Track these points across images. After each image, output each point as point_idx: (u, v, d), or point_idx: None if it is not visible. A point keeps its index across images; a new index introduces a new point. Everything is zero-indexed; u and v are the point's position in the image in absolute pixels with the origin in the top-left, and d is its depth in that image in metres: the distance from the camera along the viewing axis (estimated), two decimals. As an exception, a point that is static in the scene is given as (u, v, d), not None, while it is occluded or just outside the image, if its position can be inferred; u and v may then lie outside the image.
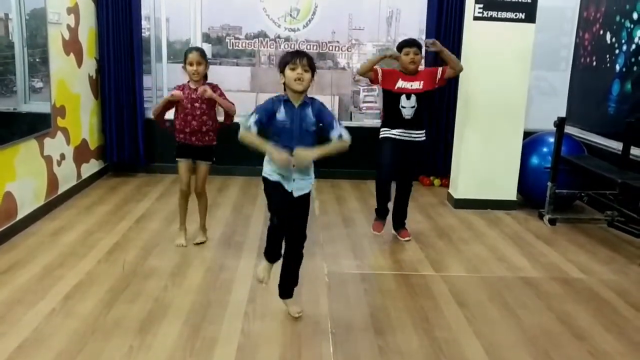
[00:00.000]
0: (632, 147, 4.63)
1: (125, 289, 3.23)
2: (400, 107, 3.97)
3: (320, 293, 2.82)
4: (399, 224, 4.28)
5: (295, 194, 2.77)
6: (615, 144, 4.98)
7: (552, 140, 4.87)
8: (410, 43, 4.00)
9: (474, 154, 5.08)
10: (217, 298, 3.18)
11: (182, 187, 3.93)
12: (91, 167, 5.55)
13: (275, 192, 2.78)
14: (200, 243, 3.99)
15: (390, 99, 4.02)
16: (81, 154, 5.28)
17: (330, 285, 3.39)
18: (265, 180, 2.81)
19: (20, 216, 4.07)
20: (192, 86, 3.75)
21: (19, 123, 4.16)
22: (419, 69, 4.05)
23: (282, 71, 2.70)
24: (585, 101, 5.66)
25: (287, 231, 2.85)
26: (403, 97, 3.96)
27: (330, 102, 6.89)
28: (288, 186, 2.76)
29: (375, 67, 4.02)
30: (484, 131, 5.03)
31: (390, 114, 4.04)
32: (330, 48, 6.41)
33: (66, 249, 3.81)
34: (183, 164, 3.90)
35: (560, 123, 4.72)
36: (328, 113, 2.77)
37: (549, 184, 4.79)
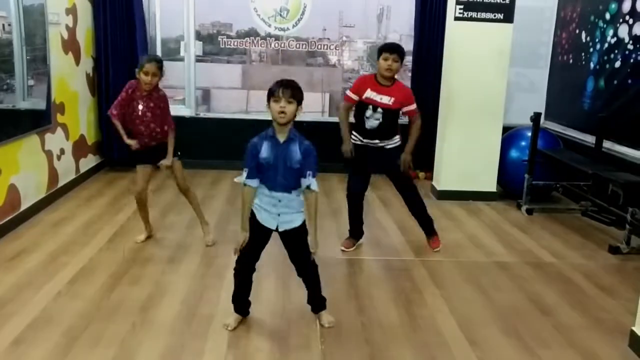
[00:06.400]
0: (604, 140, 4.90)
1: (125, 274, 3.46)
2: (364, 117, 3.77)
3: (308, 276, 3.09)
4: (428, 231, 4.10)
5: (281, 229, 2.75)
6: (590, 137, 5.22)
7: (530, 134, 5.12)
8: (391, 48, 3.72)
9: (456, 148, 5.33)
10: (212, 282, 3.41)
11: (137, 194, 3.86)
12: (89, 161, 5.74)
13: (256, 229, 2.77)
14: (211, 245, 3.97)
15: (358, 106, 3.82)
16: (79, 149, 5.48)
17: (318, 269, 3.61)
18: (252, 215, 2.78)
19: (23, 207, 4.28)
20: (144, 93, 3.69)
21: (19, 119, 4.31)
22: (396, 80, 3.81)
23: (268, 102, 2.65)
24: (563, 97, 5.93)
25: (250, 271, 2.86)
26: (369, 107, 3.74)
27: (321, 99, 7.09)
28: (273, 222, 2.75)
29: (350, 94, 3.80)
30: (465, 126, 5.28)
31: (357, 120, 3.85)
32: (320, 46, 6.62)
33: (68, 237, 4.03)
34: (143, 169, 3.85)
35: (536, 118, 4.98)
36: (312, 161, 2.68)
37: (526, 176, 5.05)
